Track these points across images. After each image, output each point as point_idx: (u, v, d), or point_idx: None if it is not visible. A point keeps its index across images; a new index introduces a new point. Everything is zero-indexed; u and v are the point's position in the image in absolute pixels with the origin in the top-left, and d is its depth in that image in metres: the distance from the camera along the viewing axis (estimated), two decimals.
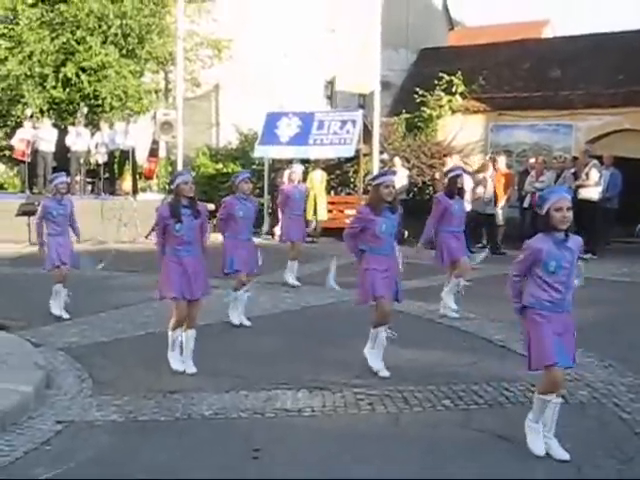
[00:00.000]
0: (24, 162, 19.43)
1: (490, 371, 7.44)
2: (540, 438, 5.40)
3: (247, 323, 9.50)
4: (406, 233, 13.65)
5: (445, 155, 19.36)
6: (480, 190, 16.80)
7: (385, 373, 7.31)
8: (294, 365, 7.69)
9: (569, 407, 6.05)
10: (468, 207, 13.12)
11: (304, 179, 15.32)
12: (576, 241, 5.35)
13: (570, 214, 5.23)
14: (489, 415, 6.32)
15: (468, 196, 13.90)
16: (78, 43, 21.02)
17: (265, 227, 19.03)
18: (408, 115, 21.93)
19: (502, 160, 17.89)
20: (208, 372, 7.39)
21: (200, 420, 6.15)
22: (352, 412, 6.36)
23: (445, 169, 13.45)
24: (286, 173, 14.06)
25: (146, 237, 17.27)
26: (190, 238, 7.39)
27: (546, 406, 5.38)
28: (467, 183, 12.55)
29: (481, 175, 17.18)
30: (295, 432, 5.88)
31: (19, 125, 20.15)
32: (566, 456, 5.30)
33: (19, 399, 6.22)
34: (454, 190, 9.91)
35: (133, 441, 5.73)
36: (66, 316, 9.88)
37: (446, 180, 10.24)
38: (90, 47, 20.89)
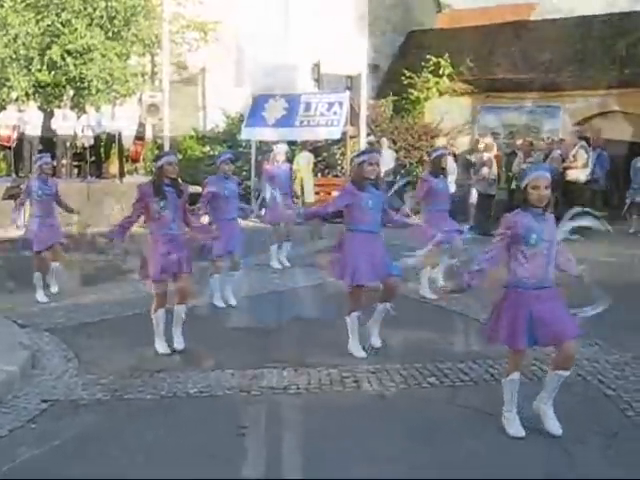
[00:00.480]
0: (10, 148, 19.31)
1: (476, 349, 7.45)
2: (516, 421, 5.43)
3: (233, 302, 9.51)
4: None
5: (432, 137, 19.35)
6: (485, 171, 16.76)
7: (377, 344, 7.40)
8: (280, 344, 7.71)
9: None
10: (452, 188, 13.14)
11: (291, 161, 15.27)
12: (552, 219, 5.38)
13: (547, 192, 5.25)
14: (474, 392, 6.36)
15: (452, 178, 13.88)
16: (63, 25, 20.86)
17: (254, 209, 18.94)
18: (395, 97, 21.88)
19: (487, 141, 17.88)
20: (194, 351, 7.40)
21: (185, 398, 6.15)
22: (337, 389, 6.38)
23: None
24: (271, 155, 14.03)
25: None
26: (174, 216, 7.35)
27: (515, 387, 5.42)
28: (450, 164, 12.57)
29: (486, 156, 17.12)
30: (281, 409, 5.89)
31: (3, 109, 20.00)
32: (558, 431, 5.34)
33: (4, 378, 6.21)
34: (438, 170, 10.00)
35: (118, 420, 5.73)
36: (54, 290, 9.94)
37: (430, 160, 10.33)
38: (75, 29, 20.71)
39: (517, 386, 5.46)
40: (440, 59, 21.41)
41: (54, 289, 10.08)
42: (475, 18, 25.04)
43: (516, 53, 22.09)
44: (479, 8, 28.08)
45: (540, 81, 20.63)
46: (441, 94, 21.59)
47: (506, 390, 5.49)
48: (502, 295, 5.41)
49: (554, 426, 5.38)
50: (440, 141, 17.70)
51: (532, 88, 20.59)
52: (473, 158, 17.43)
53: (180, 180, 7.67)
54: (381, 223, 7.44)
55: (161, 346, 7.45)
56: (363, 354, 7.29)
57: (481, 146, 17.55)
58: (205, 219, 9.39)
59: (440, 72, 21.49)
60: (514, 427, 5.39)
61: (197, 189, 11.95)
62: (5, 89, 20.87)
